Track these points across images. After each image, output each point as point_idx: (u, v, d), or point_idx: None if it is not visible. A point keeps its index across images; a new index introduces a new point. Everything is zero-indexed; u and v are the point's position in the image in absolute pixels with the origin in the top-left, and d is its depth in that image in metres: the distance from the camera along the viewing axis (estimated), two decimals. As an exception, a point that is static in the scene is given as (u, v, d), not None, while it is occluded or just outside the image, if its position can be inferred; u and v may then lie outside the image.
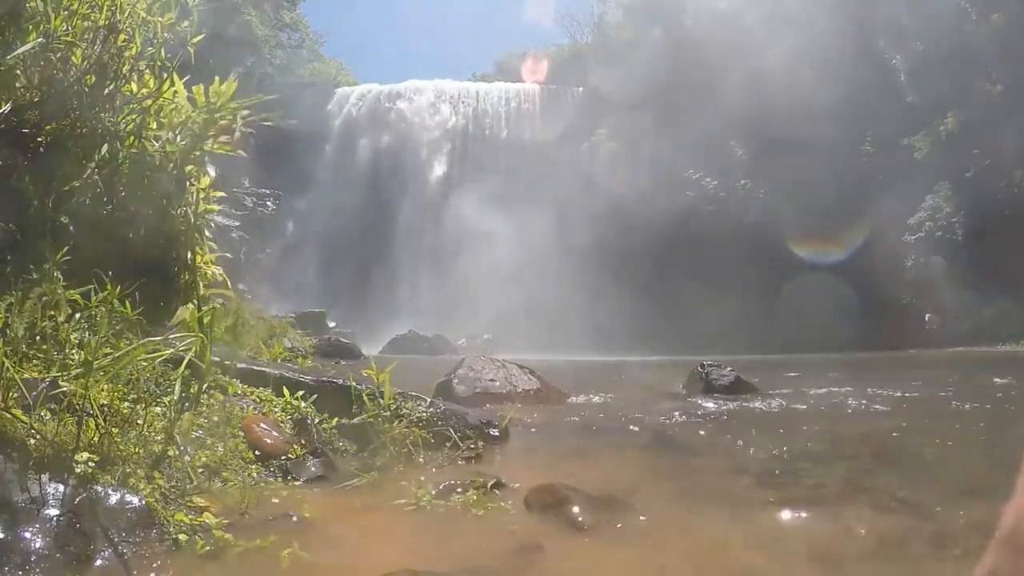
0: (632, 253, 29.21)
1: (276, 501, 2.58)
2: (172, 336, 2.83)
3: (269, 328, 7.93)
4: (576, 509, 2.66)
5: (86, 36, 3.66)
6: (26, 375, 2.35)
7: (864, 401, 6.32)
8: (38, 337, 2.66)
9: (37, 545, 1.91)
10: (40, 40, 3.43)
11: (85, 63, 3.64)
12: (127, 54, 3.81)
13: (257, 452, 2.90)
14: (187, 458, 2.53)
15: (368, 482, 2.91)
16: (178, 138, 3.89)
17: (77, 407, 2.29)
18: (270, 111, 4.21)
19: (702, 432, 4.76)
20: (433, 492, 2.78)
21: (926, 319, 26.14)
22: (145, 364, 2.70)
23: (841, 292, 26.33)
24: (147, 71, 3.92)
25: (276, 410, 3.32)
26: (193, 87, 3.93)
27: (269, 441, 2.98)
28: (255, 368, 3.67)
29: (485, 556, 2.23)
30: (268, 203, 31.83)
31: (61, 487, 2.07)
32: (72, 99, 3.59)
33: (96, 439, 2.29)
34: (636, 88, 30.68)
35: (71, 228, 3.33)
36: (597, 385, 7.53)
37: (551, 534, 2.45)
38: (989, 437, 4.64)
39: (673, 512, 2.83)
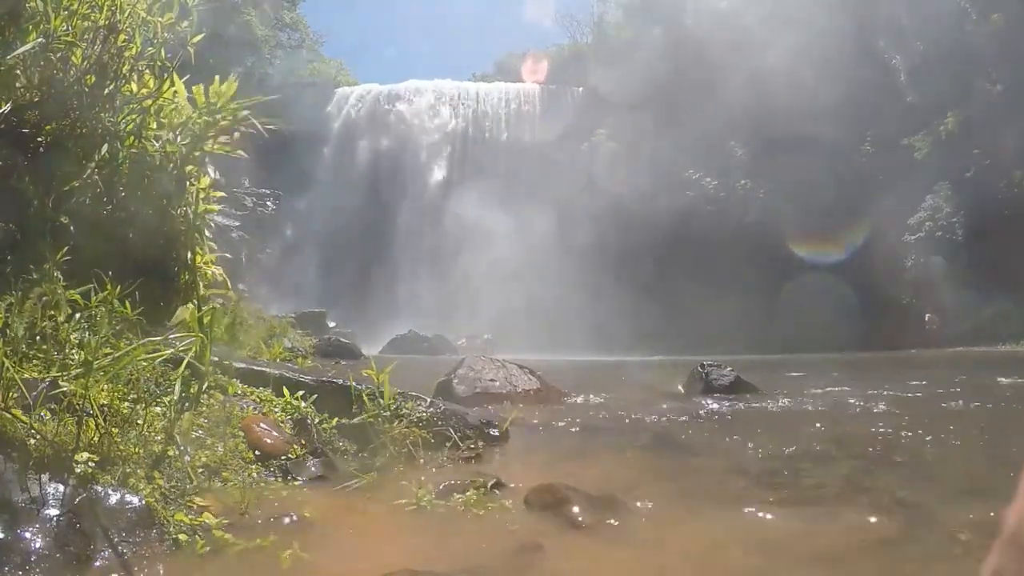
0: (632, 253, 29.22)
1: (276, 501, 2.58)
2: (172, 336, 2.83)
3: (269, 328, 7.93)
4: (576, 509, 2.66)
5: (86, 36, 3.66)
6: (26, 375, 2.35)
7: (864, 401, 6.32)
8: (38, 337, 2.65)
9: (37, 545, 1.91)
10: (40, 40, 3.42)
11: (85, 63, 3.64)
12: (127, 54, 3.81)
13: (257, 452, 2.90)
14: (187, 458, 2.53)
15: (368, 482, 2.91)
16: (178, 138, 3.88)
17: (77, 407, 2.29)
18: (270, 111, 4.22)
19: (702, 432, 4.76)
20: (433, 492, 2.78)
21: (926, 319, 26.14)
22: (145, 364, 2.70)
23: (841, 292, 26.33)
24: (147, 71, 3.92)
25: (276, 410, 3.32)
26: (193, 87, 3.93)
27: (269, 441, 2.98)
28: (255, 368, 3.67)
29: (485, 556, 2.23)
30: (268, 203, 31.84)
31: (61, 487, 2.07)
32: (72, 99, 3.59)
33: (96, 439, 2.29)
34: (636, 88, 30.68)
35: (71, 228, 3.33)
36: (597, 385, 7.52)
37: (551, 534, 2.45)
38: (989, 437, 4.64)
39: (673, 512, 2.83)
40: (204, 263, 4.19)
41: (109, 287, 2.93)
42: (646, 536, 2.54)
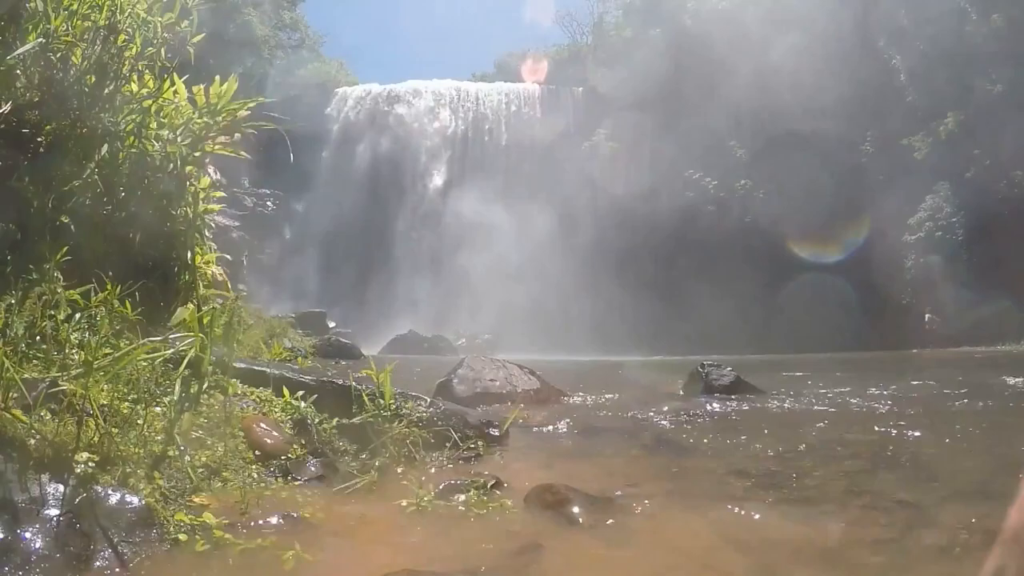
0: (632, 253, 29.23)
1: (276, 501, 2.57)
2: (172, 336, 2.83)
3: (269, 328, 7.94)
4: (576, 509, 2.66)
5: (86, 36, 3.66)
6: (26, 375, 2.35)
7: (864, 401, 6.32)
8: (38, 337, 2.65)
9: (37, 545, 1.91)
10: (40, 40, 3.42)
11: (85, 63, 3.64)
12: (127, 54, 3.81)
13: (257, 452, 2.90)
14: (187, 458, 2.52)
15: (368, 482, 2.91)
16: (178, 138, 3.88)
17: (77, 407, 2.29)
18: (270, 112, 4.21)
19: (702, 432, 4.76)
20: (434, 492, 2.78)
21: (926, 319, 26.14)
22: (145, 364, 2.70)
23: (841, 292, 26.34)
24: (147, 71, 3.92)
25: (276, 410, 3.32)
26: (194, 87, 3.93)
27: (269, 441, 2.98)
28: (255, 368, 3.67)
29: (486, 556, 2.23)
30: (268, 203, 31.89)
31: (61, 487, 2.07)
32: (72, 99, 3.58)
33: (96, 439, 2.29)
34: (636, 88, 30.69)
35: (71, 228, 3.32)
36: (597, 385, 7.53)
37: (551, 534, 2.45)
38: (990, 437, 4.64)
39: (673, 512, 2.83)
40: (204, 263, 4.19)
41: (109, 287, 2.93)
42: (646, 536, 2.54)
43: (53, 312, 2.76)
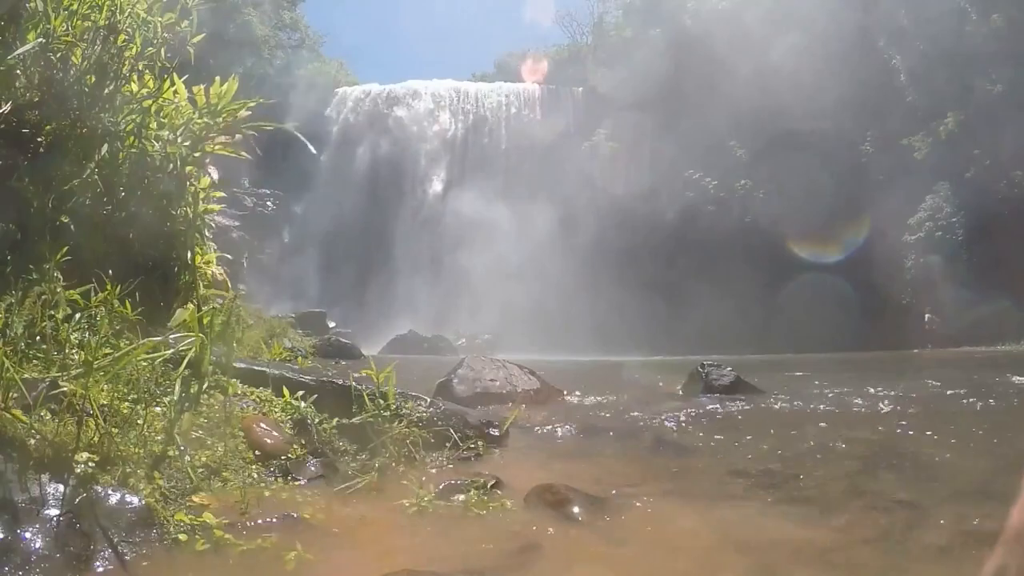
0: (632, 253, 29.23)
1: (276, 501, 2.57)
2: (172, 336, 2.83)
3: (269, 328, 7.94)
4: (576, 509, 2.66)
5: (86, 36, 3.66)
6: (26, 375, 2.35)
7: (864, 401, 6.32)
8: (38, 337, 2.65)
9: (37, 545, 1.91)
10: (40, 40, 3.42)
11: (85, 63, 3.63)
12: (127, 54, 3.81)
13: (257, 452, 2.90)
14: (187, 458, 2.52)
15: (368, 482, 2.90)
16: (179, 139, 3.88)
17: (77, 407, 2.29)
18: (271, 112, 4.21)
19: (702, 432, 4.76)
20: (434, 492, 2.78)
21: (926, 319, 26.14)
22: (145, 364, 2.70)
23: (841, 292, 26.34)
24: (147, 71, 3.92)
25: (276, 410, 3.32)
26: (194, 88, 3.93)
27: (269, 441, 2.98)
28: (255, 368, 3.67)
29: (486, 556, 2.23)
30: (268, 203, 31.90)
31: (61, 487, 2.07)
32: (72, 99, 3.58)
33: (96, 439, 2.29)
34: (636, 88, 30.70)
35: (71, 228, 3.32)
36: (597, 385, 7.53)
37: (552, 534, 2.46)
38: (990, 437, 4.63)
39: (673, 512, 2.83)
40: (204, 263, 4.19)
41: (109, 287, 2.93)
42: (646, 536, 2.54)
43: (53, 312, 2.76)
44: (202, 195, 4.10)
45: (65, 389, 2.30)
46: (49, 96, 3.52)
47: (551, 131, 33.53)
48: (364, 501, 2.75)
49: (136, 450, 2.39)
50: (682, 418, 5.23)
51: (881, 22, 29.08)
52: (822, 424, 5.14)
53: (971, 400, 6.55)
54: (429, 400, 3.87)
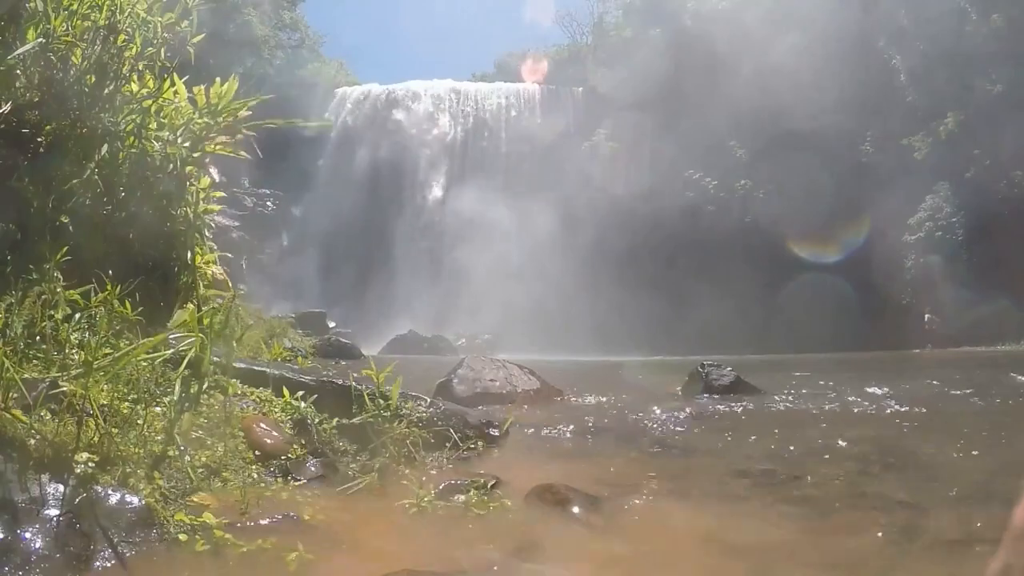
0: (632, 253, 29.23)
1: (276, 501, 2.57)
2: (172, 336, 2.82)
3: (269, 328, 7.94)
4: (576, 509, 2.66)
5: (86, 36, 3.66)
6: (26, 375, 2.35)
7: (864, 401, 6.32)
8: (38, 337, 2.65)
9: (37, 545, 1.91)
10: (40, 40, 3.42)
11: (85, 63, 3.63)
12: (127, 54, 3.81)
13: (257, 452, 2.90)
14: (187, 458, 2.52)
15: (369, 482, 2.91)
16: (179, 139, 3.88)
17: (77, 407, 2.29)
18: (271, 112, 4.21)
19: (702, 433, 4.76)
20: (434, 492, 2.78)
21: (926, 319, 26.14)
22: (145, 364, 2.70)
23: (841, 292, 26.34)
24: (147, 71, 3.92)
25: (276, 410, 3.32)
26: (194, 88, 3.93)
27: (269, 441, 2.98)
28: (255, 368, 3.67)
29: (486, 556, 2.23)
30: (268, 203, 31.90)
31: (61, 487, 2.07)
32: (72, 99, 3.58)
33: (96, 439, 2.29)
34: (636, 88, 30.70)
35: (71, 228, 3.32)
36: (597, 385, 7.52)
37: (552, 534, 2.46)
38: (990, 437, 4.63)
39: (673, 512, 2.84)
40: (204, 263, 4.19)
41: (109, 287, 2.92)
42: (646, 536, 2.54)
43: (53, 312, 2.75)
44: (202, 195, 4.10)
45: (65, 389, 2.30)
46: (49, 96, 3.52)
47: (551, 131, 33.53)
48: (364, 501, 2.75)
49: (136, 450, 2.39)
50: (682, 418, 5.23)
51: (881, 22, 29.09)
52: (822, 424, 5.14)
53: (971, 400, 6.55)
54: (429, 400, 3.87)
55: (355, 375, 3.69)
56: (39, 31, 3.44)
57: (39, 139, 3.49)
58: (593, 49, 38.42)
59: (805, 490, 3.17)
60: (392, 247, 31.79)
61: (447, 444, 3.52)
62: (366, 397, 3.44)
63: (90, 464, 2.18)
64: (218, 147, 4.04)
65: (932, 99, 27.46)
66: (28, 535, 1.92)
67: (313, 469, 2.95)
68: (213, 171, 4.22)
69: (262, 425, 3.05)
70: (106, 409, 2.40)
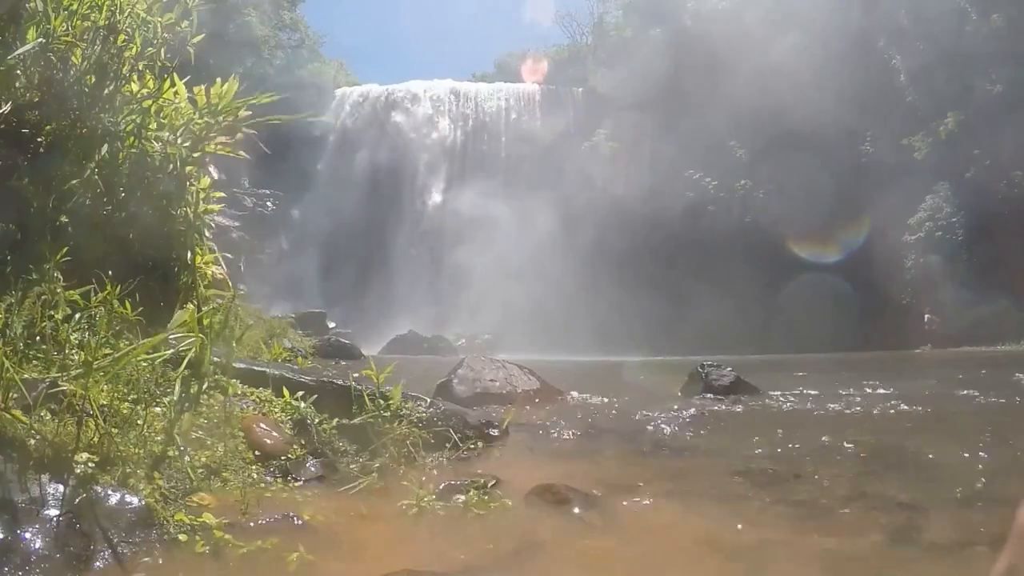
0: (632, 253, 29.24)
1: (276, 502, 2.57)
2: (172, 336, 2.82)
3: (269, 328, 7.94)
4: (576, 509, 2.66)
5: (86, 36, 3.65)
6: (26, 375, 2.35)
7: (864, 401, 6.32)
8: (38, 337, 2.65)
9: (37, 545, 1.91)
10: (40, 40, 3.42)
11: (85, 63, 3.63)
12: (127, 54, 3.80)
13: (257, 452, 2.89)
14: (187, 458, 2.52)
15: (369, 483, 2.91)
16: (179, 139, 3.88)
17: (77, 407, 2.29)
18: (271, 112, 4.21)
19: (702, 433, 4.76)
20: (434, 492, 2.78)
21: (926, 319, 26.15)
22: (145, 364, 2.70)
23: (841, 292, 26.35)
24: (147, 71, 3.92)
25: (276, 410, 3.32)
26: (195, 88, 3.92)
27: (269, 441, 2.98)
28: (255, 368, 3.67)
29: (486, 556, 2.23)
30: (268, 203, 31.90)
31: (61, 487, 2.07)
32: (72, 99, 3.58)
33: (96, 439, 2.29)
34: (636, 88, 30.71)
35: (71, 228, 3.32)
36: (597, 385, 7.52)
37: (551, 534, 2.46)
38: (991, 437, 4.63)
39: (673, 512, 2.83)
40: (204, 263, 4.19)
41: (109, 287, 2.92)
42: (646, 536, 2.54)
43: (53, 312, 2.75)
44: (202, 195, 4.09)
45: (65, 389, 2.30)
46: (49, 96, 3.52)
47: (551, 131, 33.53)
48: (364, 501, 2.75)
49: (136, 450, 2.39)
50: (682, 418, 5.23)
51: (881, 22, 29.09)
52: (822, 424, 5.14)
53: (971, 400, 6.55)
54: (429, 400, 3.87)
55: (355, 375, 3.70)
56: (39, 31, 3.44)
57: (39, 139, 3.49)
58: (593, 49, 38.44)
59: (805, 490, 3.17)
60: (392, 247, 31.79)
61: (447, 444, 3.52)
62: (366, 397, 3.44)
63: (90, 464, 2.18)
64: (218, 147, 4.03)
65: (932, 99, 27.47)
66: (28, 535, 1.92)
67: (313, 469, 2.95)
68: (212, 170, 4.21)
69: (262, 425, 3.05)
70: (106, 409, 2.40)
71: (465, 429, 3.74)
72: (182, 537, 2.13)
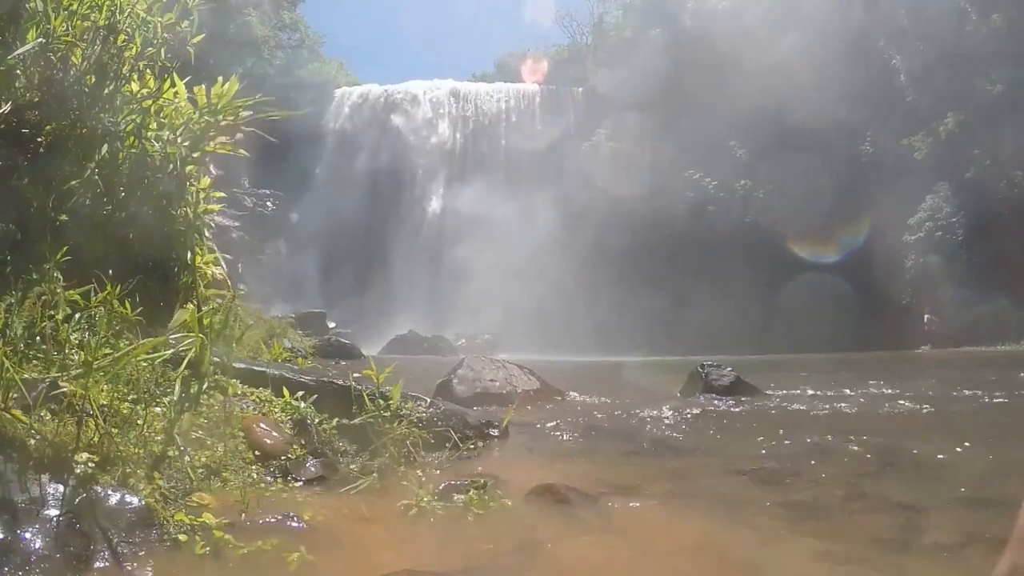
0: (632, 253, 29.24)
1: (276, 502, 2.57)
2: (172, 336, 2.82)
3: (269, 328, 7.94)
4: (576, 509, 2.66)
5: (86, 36, 3.65)
6: (26, 375, 2.35)
7: (864, 401, 6.32)
8: (38, 337, 2.65)
9: (37, 545, 1.91)
10: (40, 40, 3.42)
11: (85, 63, 3.63)
12: (127, 54, 3.80)
13: (257, 452, 2.89)
14: (187, 458, 2.52)
15: (369, 483, 2.90)
16: (179, 139, 3.88)
17: (77, 407, 2.29)
18: (271, 111, 4.21)
19: (701, 433, 4.76)
20: (434, 492, 2.78)
21: (926, 319, 26.15)
22: (145, 364, 2.70)
23: (841, 292, 26.35)
24: (147, 71, 3.91)
25: (276, 410, 3.32)
26: (195, 88, 3.92)
27: (269, 441, 2.97)
28: (255, 368, 3.67)
29: (486, 556, 2.23)
30: (268, 203, 31.89)
31: (61, 487, 2.07)
32: (72, 99, 3.58)
33: (96, 439, 2.29)
34: (636, 88, 30.71)
35: (71, 228, 3.32)
36: (597, 385, 7.53)
37: (551, 533, 2.46)
38: (991, 438, 4.63)
39: (672, 512, 2.84)
40: (204, 263, 4.19)
41: (109, 287, 2.92)
42: (645, 536, 2.54)
43: (53, 312, 2.75)
44: (202, 195, 4.09)
45: (65, 389, 2.30)
46: (49, 96, 3.52)
47: (551, 131, 33.53)
48: (364, 501, 2.75)
49: (136, 450, 2.39)
50: (682, 418, 5.23)
51: (881, 22, 29.10)
52: (822, 424, 5.14)
53: (971, 400, 6.55)
54: (429, 400, 3.87)
55: (355, 375, 3.69)
56: (39, 31, 3.44)
57: (39, 139, 3.49)
58: (593, 49, 38.43)
59: (805, 490, 3.17)
60: (392, 247, 31.79)
61: (447, 444, 3.53)
62: (366, 397, 3.44)
63: (90, 464, 2.18)
64: (218, 147, 4.03)
65: (932, 99, 27.48)
66: (28, 535, 1.92)
67: (313, 469, 2.94)
68: (212, 168, 4.21)
69: (262, 425, 3.05)
70: (106, 409, 2.40)
71: (465, 429, 3.75)
72: (182, 537, 2.13)
